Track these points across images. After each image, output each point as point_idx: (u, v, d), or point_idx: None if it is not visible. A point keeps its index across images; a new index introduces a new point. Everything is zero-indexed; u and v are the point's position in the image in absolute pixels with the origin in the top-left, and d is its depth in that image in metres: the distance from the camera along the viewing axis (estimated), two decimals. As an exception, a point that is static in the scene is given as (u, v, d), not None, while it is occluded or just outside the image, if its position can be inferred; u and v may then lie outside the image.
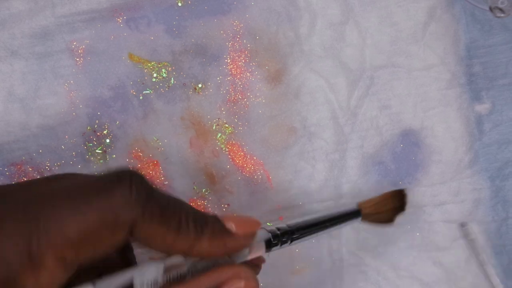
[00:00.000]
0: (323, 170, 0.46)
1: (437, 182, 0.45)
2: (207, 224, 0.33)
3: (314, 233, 0.38)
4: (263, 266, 0.45)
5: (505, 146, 0.45)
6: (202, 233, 0.32)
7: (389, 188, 0.45)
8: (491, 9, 0.42)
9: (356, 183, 0.46)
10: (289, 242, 0.37)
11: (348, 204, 0.43)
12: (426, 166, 0.46)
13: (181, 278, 0.32)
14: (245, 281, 0.33)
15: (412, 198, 0.45)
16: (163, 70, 0.45)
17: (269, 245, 0.35)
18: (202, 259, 0.33)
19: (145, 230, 0.30)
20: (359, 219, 0.42)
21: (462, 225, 0.45)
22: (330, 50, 0.46)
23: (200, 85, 0.45)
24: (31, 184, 0.31)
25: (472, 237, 0.44)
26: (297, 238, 0.37)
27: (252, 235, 0.35)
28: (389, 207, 0.43)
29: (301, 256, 0.45)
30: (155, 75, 0.45)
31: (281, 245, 0.36)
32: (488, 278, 0.44)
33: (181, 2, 0.45)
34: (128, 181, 0.30)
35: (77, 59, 0.45)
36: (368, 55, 0.46)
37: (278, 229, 0.37)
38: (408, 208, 0.45)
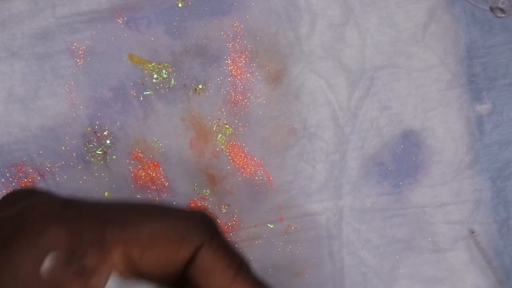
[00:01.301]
0: (323, 171, 0.45)
1: (438, 183, 0.45)
2: (265, 285, 0.33)
3: None
4: (262, 267, 0.45)
5: (505, 146, 0.45)
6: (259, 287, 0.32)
7: (389, 189, 0.45)
8: (491, 9, 0.42)
9: (356, 184, 0.45)
10: None
11: None
12: (427, 167, 0.46)
13: None
14: None
15: (413, 198, 0.45)
16: (164, 71, 0.45)
17: None
18: None
19: (208, 259, 0.30)
20: None
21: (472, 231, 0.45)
22: (330, 51, 0.46)
23: (200, 86, 0.45)
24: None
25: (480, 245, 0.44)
26: None
27: None
28: None
29: (301, 258, 0.45)
30: (155, 76, 0.45)
31: None
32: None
33: (181, 3, 0.45)
34: (201, 213, 0.32)
35: (77, 60, 0.45)
36: (368, 55, 0.46)
37: None
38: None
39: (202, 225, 0.31)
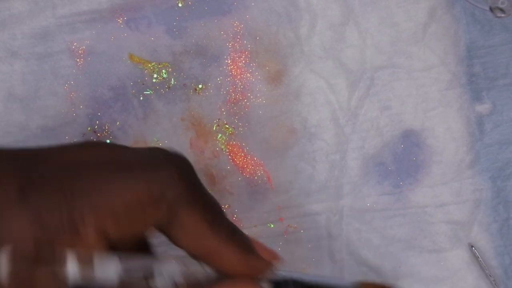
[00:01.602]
0: (323, 171, 0.45)
1: (438, 182, 0.45)
2: (238, 233, 0.31)
3: None
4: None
5: (506, 146, 0.45)
6: (232, 239, 0.30)
7: (389, 189, 0.45)
8: (491, 9, 0.42)
9: (356, 184, 0.45)
10: None
11: (347, 279, 0.42)
12: (427, 167, 0.45)
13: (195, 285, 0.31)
14: None
15: (414, 198, 0.45)
16: (164, 70, 0.45)
17: None
18: (213, 271, 0.31)
19: (183, 213, 0.29)
20: None
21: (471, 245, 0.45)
22: (330, 51, 0.46)
23: (200, 86, 0.45)
24: (66, 151, 0.29)
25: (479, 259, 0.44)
26: None
27: (272, 264, 0.33)
28: None
29: (302, 258, 0.45)
30: (155, 75, 0.45)
31: None
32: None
33: (181, 3, 0.45)
34: (176, 162, 0.29)
35: (78, 59, 0.45)
36: (369, 56, 0.46)
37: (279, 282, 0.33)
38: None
39: (179, 176, 0.28)
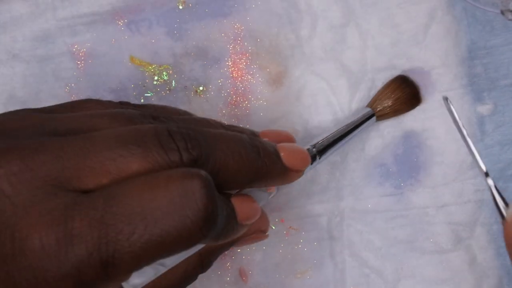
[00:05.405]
0: (324, 172, 0.45)
1: (440, 183, 0.45)
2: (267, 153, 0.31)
3: (335, 147, 0.42)
4: (264, 268, 0.45)
5: (507, 147, 0.45)
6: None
7: (390, 190, 0.45)
8: (502, 12, 0.42)
9: (357, 186, 0.45)
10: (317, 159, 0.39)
11: (358, 110, 0.44)
12: (428, 168, 0.45)
13: None
14: None
15: (415, 199, 0.45)
16: (164, 73, 0.45)
17: None
18: None
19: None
20: (374, 119, 0.44)
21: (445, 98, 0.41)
22: (331, 53, 0.46)
23: (201, 88, 0.45)
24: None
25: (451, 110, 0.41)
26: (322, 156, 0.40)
27: (300, 172, 0.33)
28: (399, 95, 0.44)
29: (302, 259, 0.45)
30: (156, 78, 0.45)
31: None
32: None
33: (182, 5, 0.45)
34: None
35: (78, 62, 0.45)
36: (369, 57, 0.46)
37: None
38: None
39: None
